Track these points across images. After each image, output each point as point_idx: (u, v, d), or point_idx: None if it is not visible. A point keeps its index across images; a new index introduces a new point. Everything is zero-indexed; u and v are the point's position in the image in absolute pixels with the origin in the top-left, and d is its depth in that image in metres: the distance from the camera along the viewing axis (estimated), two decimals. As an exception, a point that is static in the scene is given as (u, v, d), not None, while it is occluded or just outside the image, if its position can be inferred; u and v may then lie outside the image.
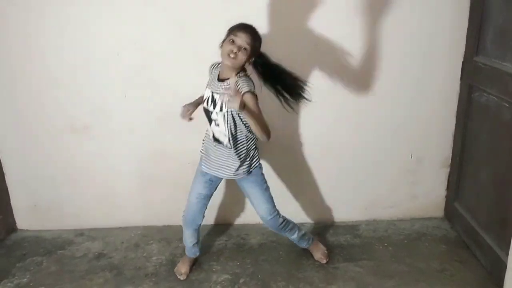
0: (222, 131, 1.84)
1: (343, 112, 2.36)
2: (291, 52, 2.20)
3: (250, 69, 1.85)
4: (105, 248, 2.37)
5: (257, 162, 1.95)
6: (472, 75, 2.20)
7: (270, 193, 2.00)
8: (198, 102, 1.96)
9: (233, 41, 1.71)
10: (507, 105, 1.92)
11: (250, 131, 1.85)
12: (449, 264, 2.17)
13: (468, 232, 2.29)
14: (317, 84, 2.29)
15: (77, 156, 2.42)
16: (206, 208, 2.05)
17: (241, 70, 1.80)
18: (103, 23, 2.20)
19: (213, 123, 1.84)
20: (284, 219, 2.06)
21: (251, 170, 1.92)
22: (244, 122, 1.82)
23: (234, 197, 2.45)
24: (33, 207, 2.53)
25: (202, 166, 1.97)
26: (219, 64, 1.86)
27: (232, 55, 1.70)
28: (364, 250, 2.29)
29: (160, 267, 2.20)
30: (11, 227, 2.55)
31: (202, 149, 1.99)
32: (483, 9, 2.09)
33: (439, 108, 2.38)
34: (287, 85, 1.85)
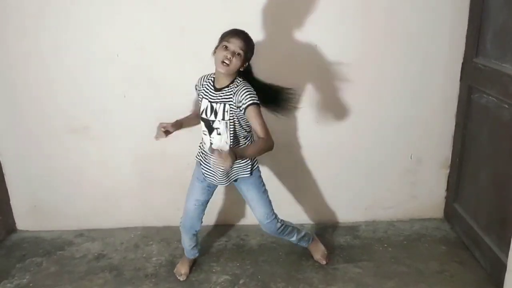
0: (224, 139, 1.82)
1: (343, 113, 2.35)
2: (291, 52, 2.20)
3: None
4: (105, 249, 2.37)
5: (256, 164, 1.94)
6: (472, 76, 2.20)
7: (268, 197, 1.98)
8: (182, 121, 1.93)
9: (226, 47, 1.70)
10: (506, 106, 1.92)
11: (250, 136, 1.85)
12: (448, 265, 2.17)
13: (467, 233, 2.29)
14: (317, 85, 2.29)
15: (77, 157, 2.42)
16: (204, 213, 2.03)
17: (236, 76, 1.78)
18: (103, 23, 2.20)
19: (214, 132, 1.82)
20: (283, 223, 2.03)
21: (252, 171, 1.91)
22: (245, 127, 1.82)
23: (234, 198, 2.44)
24: (32, 208, 2.53)
25: (202, 172, 1.94)
26: (208, 75, 1.86)
27: (226, 61, 1.69)
28: (363, 251, 2.29)
29: (160, 268, 2.20)
30: (11, 227, 2.54)
31: (197, 155, 1.97)
32: (483, 10, 2.09)
33: (439, 109, 2.38)
34: (271, 97, 1.86)
